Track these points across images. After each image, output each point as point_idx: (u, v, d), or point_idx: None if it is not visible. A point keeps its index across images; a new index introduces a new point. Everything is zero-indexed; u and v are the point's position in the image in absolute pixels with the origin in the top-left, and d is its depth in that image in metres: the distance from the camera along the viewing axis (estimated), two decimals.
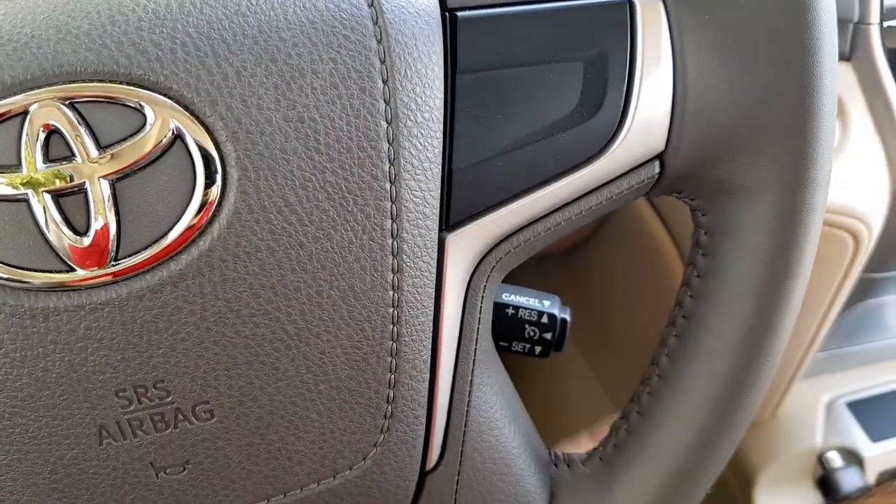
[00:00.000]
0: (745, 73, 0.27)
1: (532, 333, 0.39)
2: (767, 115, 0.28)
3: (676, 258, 0.65)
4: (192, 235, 0.23)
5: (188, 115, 0.23)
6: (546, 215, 0.29)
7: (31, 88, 0.22)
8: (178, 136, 0.23)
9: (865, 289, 0.74)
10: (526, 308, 0.39)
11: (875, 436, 0.85)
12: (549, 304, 0.39)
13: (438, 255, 0.27)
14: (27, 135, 0.22)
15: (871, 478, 0.82)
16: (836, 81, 0.28)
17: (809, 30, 0.27)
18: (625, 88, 0.28)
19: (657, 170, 0.30)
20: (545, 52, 0.27)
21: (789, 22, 0.27)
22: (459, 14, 0.26)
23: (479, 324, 0.30)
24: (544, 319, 0.39)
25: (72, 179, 0.22)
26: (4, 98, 0.22)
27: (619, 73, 0.28)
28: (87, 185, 0.22)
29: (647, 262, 0.68)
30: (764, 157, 0.28)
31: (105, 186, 0.23)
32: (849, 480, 0.78)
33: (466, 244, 0.28)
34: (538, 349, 0.39)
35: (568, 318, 0.39)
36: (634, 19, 0.28)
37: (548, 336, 0.39)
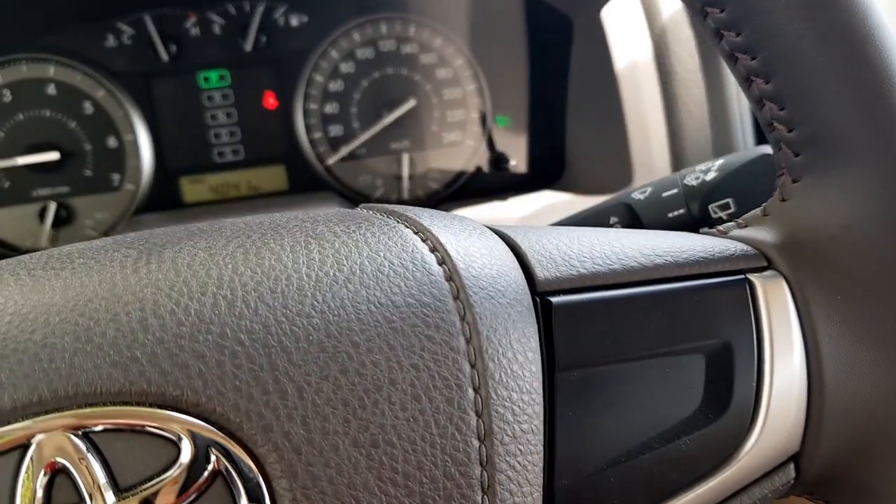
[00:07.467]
0: (890, 367, 0.23)
1: None
2: None
3: None
4: None
5: (234, 443, 0.18)
6: None
7: (38, 414, 0.17)
8: (218, 473, 0.18)
9: None
10: None
11: None
12: None
13: None
14: (26, 474, 0.17)
15: None
16: None
17: None
18: (754, 384, 0.23)
19: (792, 474, 0.24)
20: (657, 343, 0.23)
21: None
22: (554, 300, 0.22)
23: None
24: None
25: None
26: (3, 426, 0.17)
27: (747, 366, 0.23)
28: None
29: None
30: None
31: None
32: None
33: None
34: None
35: None
36: (756, 301, 0.24)
37: None
